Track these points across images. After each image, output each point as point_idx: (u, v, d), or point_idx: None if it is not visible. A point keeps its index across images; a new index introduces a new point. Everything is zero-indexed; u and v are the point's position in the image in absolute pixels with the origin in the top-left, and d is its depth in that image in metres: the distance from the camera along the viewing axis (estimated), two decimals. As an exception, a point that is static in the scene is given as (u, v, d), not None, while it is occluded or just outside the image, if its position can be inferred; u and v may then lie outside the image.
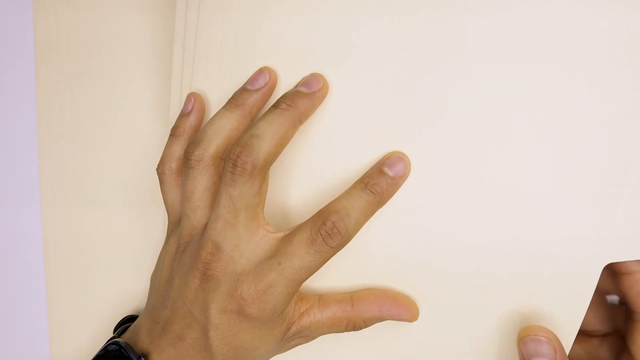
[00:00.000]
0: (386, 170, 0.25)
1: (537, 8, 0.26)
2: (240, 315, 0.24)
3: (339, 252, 0.25)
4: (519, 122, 0.27)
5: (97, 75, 0.32)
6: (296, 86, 0.27)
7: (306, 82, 0.26)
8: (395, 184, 0.26)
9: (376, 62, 0.27)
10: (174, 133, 0.29)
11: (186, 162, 0.26)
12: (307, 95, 0.26)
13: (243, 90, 0.27)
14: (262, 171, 0.25)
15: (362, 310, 0.27)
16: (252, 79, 0.27)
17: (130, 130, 0.33)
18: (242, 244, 0.25)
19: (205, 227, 0.26)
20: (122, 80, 0.32)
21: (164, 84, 0.32)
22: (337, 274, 0.29)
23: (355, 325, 0.27)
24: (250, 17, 0.28)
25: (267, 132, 0.25)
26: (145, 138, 0.33)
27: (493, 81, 0.27)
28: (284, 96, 0.26)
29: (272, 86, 0.27)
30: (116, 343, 0.26)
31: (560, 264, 0.30)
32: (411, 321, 0.28)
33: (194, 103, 0.29)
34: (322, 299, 0.27)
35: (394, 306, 0.27)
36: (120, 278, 0.34)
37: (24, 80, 0.33)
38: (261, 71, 0.27)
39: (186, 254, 0.26)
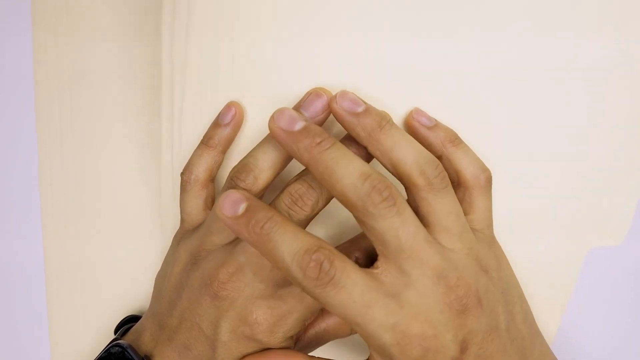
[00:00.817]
0: None
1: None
2: (250, 339, 0.24)
3: None
4: (501, 116, 0.28)
5: (97, 76, 0.32)
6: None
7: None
8: None
9: (371, 74, 0.27)
10: (207, 143, 0.28)
11: (234, 187, 0.25)
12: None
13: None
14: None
15: None
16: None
17: (131, 132, 0.33)
18: (264, 271, 0.24)
19: (230, 247, 0.25)
20: (122, 81, 0.32)
21: (164, 81, 0.31)
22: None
23: None
24: None
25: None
26: (146, 139, 0.33)
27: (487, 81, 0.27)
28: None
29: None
30: (119, 345, 0.26)
31: (542, 254, 0.31)
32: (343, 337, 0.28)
33: (234, 116, 0.28)
34: (324, 308, 0.27)
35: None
36: (120, 279, 0.34)
37: (24, 80, 0.33)
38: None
39: (200, 268, 0.26)
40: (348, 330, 0.28)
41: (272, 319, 0.24)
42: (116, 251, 0.34)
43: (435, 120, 0.27)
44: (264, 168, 0.26)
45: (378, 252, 0.23)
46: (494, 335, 0.23)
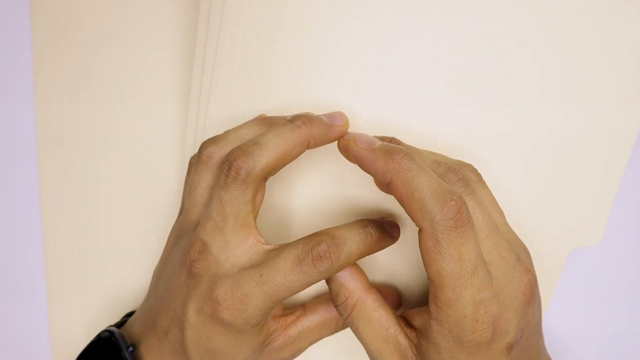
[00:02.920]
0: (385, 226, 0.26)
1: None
2: (214, 318, 0.24)
3: None
4: (482, 121, 0.29)
5: (97, 76, 0.33)
6: (320, 115, 0.26)
7: (331, 114, 0.26)
8: (393, 242, 0.26)
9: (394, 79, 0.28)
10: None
11: (198, 156, 0.26)
12: (324, 125, 0.25)
13: (280, 117, 0.27)
14: (256, 180, 0.24)
15: None
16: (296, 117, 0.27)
17: (130, 130, 0.33)
18: (229, 249, 0.24)
19: (198, 225, 0.26)
20: (122, 81, 0.33)
21: (165, 84, 0.32)
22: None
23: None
24: (272, 22, 0.28)
25: (271, 143, 0.24)
26: (145, 138, 0.33)
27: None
28: (302, 114, 0.26)
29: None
30: (109, 331, 0.27)
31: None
32: (396, 309, 0.28)
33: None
34: (307, 307, 0.28)
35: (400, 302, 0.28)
36: (121, 277, 0.34)
37: (23, 81, 0.34)
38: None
39: (179, 247, 0.26)
40: (333, 326, 0.28)
41: (231, 299, 0.23)
42: (116, 251, 0.34)
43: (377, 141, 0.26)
44: (231, 141, 0.25)
45: None
46: (537, 328, 0.24)
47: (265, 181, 0.25)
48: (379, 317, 0.24)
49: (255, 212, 0.25)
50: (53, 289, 0.35)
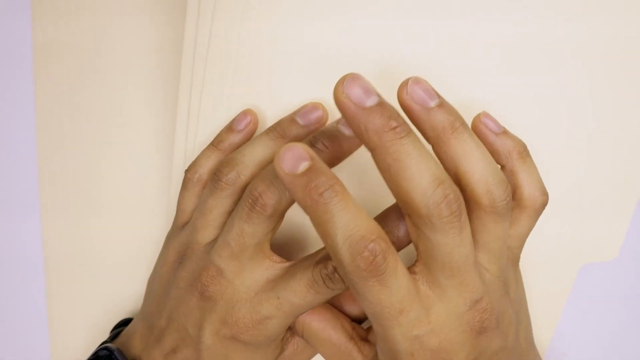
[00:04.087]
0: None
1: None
2: (233, 340, 0.24)
3: None
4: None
5: (97, 78, 0.33)
6: (336, 122, 0.25)
7: (303, 114, 0.27)
8: None
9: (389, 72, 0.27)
10: (217, 145, 0.28)
11: (216, 181, 0.25)
12: (346, 138, 0.25)
13: (291, 121, 0.26)
14: (282, 214, 0.24)
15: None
16: (301, 113, 0.27)
17: (129, 134, 0.33)
18: (245, 272, 0.24)
19: (209, 247, 0.25)
20: (122, 83, 0.32)
21: (165, 86, 0.32)
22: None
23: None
24: (269, 25, 0.27)
25: None
26: (145, 141, 0.33)
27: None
28: (321, 134, 0.25)
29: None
30: (107, 348, 0.26)
31: (538, 263, 0.31)
32: None
33: (248, 124, 0.28)
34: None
35: None
36: (121, 280, 0.34)
37: (23, 82, 0.33)
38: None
39: (185, 268, 0.26)
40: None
41: (252, 323, 0.24)
42: (116, 251, 0.34)
43: (504, 127, 0.25)
44: (249, 165, 0.25)
45: (420, 258, 0.21)
46: (501, 354, 0.23)
47: (285, 213, 0.24)
48: (328, 337, 0.25)
49: (271, 237, 0.25)
50: (53, 291, 0.35)
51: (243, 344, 0.24)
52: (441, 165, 0.20)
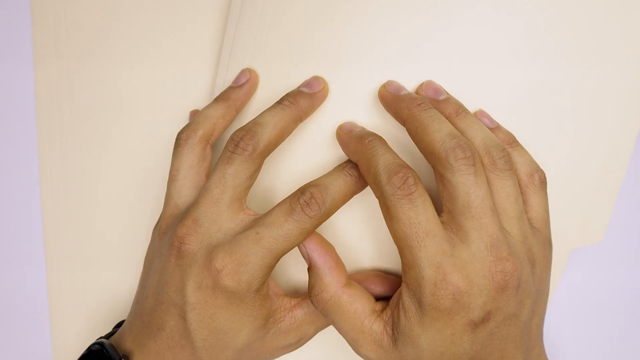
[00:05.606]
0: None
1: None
2: (215, 290, 0.24)
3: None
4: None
5: (97, 75, 0.33)
6: (299, 87, 0.28)
7: (308, 83, 0.28)
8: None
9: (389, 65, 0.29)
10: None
11: (175, 143, 0.28)
12: (308, 96, 0.28)
13: (228, 88, 0.30)
14: (260, 157, 0.26)
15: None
16: (236, 79, 0.30)
17: (130, 130, 0.33)
18: (221, 220, 0.25)
19: (188, 206, 0.26)
20: (123, 80, 0.33)
21: (166, 83, 0.33)
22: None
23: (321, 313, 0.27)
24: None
25: (270, 122, 0.26)
26: (146, 138, 0.33)
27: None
28: (287, 94, 0.28)
29: (252, 83, 0.30)
30: (99, 343, 0.27)
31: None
32: (388, 294, 0.28)
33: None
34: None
35: (386, 286, 0.28)
36: (123, 278, 0.34)
37: (24, 81, 0.34)
38: (243, 72, 0.30)
39: (166, 235, 0.26)
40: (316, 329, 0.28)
41: (231, 264, 0.24)
42: (118, 251, 0.34)
43: (497, 122, 0.29)
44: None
45: (444, 208, 0.24)
46: (513, 321, 0.24)
47: (264, 158, 0.27)
48: (354, 310, 0.25)
49: (249, 189, 0.27)
50: (55, 290, 0.35)
51: (225, 294, 0.24)
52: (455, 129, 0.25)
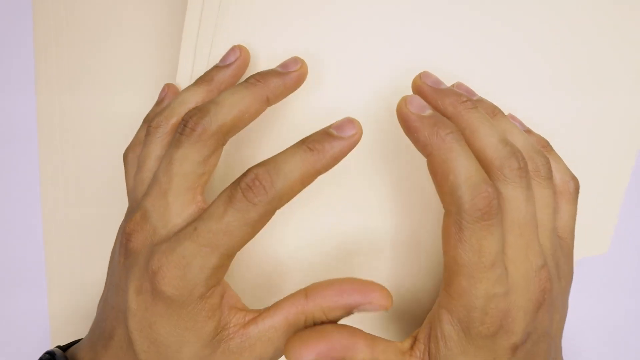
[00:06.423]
0: (331, 130, 0.23)
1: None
2: (154, 295, 0.21)
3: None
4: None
5: (98, 73, 0.33)
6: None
7: (284, 63, 0.26)
8: (340, 144, 0.22)
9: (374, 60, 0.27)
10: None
11: (147, 130, 0.25)
12: (280, 75, 0.25)
13: (213, 68, 0.26)
14: (212, 138, 0.23)
15: (318, 300, 0.22)
16: (224, 57, 0.27)
17: (131, 129, 0.31)
18: (169, 214, 0.22)
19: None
20: (123, 78, 0.33)
21: (166, 81, 0.31)
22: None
23: (314, 318, 0.22)
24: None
25: (227, 101, 0.23)
26: None
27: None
28: (257, 73, 0.25)
29: (242, 63, 0.26)
30: (49, 353, 0.24)
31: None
32: (385, 309, 0.23)
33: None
34: (272, 305, 0.23)
35: (357, 291, 0.22)
36: None
37: (24, 80, 0.34)
38: (232, 49, 0.27)
39: (119, 231, 0.24)
40: (301, 323, 0.23)
41: (167, 266, 0.21)
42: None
43: (528, 127, 0.28)
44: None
45: None
46: (546, 338, 0.23)
47: (223, 144, 0.24)
48: None
49: (206, 176, 0.23)
50: (54, 290, 0.35)
51: (165, 301, 0.21)
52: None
